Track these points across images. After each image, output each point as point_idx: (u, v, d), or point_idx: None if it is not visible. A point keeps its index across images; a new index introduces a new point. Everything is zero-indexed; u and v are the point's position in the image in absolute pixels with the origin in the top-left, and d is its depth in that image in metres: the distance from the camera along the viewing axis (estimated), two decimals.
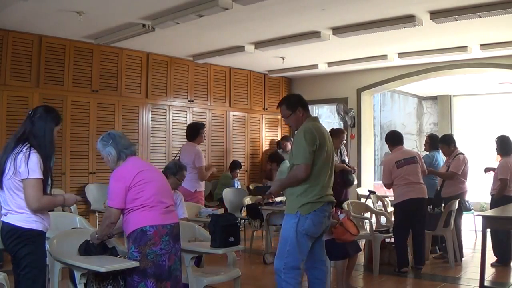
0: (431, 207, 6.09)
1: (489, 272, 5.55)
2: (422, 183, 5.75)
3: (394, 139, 5.96)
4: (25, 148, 2.96)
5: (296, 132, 3.79)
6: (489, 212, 5.53)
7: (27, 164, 2.91)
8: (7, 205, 2.97)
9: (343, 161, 6.55)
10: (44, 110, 3.13)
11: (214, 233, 3.75)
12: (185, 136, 8.44)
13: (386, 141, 6.12)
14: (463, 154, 6.34)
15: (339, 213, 4.85)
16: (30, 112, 3.11)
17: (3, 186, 2.96)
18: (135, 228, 3.21)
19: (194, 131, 6.65)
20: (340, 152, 6.54)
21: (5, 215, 2.98)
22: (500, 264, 5.94)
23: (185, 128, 8.36)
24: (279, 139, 10.45)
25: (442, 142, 6.54)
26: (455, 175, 6.18)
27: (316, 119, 3.84)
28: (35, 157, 2.95)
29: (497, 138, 6.27)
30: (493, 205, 6.01)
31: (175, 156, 7.26)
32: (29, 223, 2.96)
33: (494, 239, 6.02)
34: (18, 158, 2.93)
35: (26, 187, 2.92)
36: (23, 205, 2.95)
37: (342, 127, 10.20)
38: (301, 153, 3.52)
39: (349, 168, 6.70)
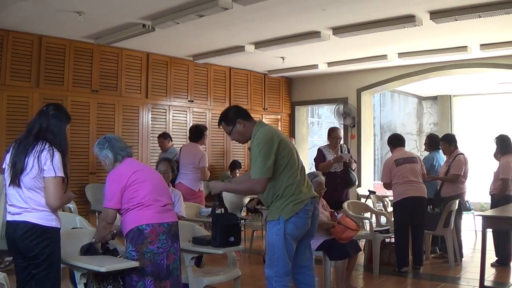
0: (431, 207, 6.10)
1: (489, 272, 5.55)
2: (421, 183, 5.77)
3: (395, 140, 6.07)
4: (47, 145, 2.91)
5: (251, 144, 3.54)
6: (489, 212, 5.54)
7: (52, 162, 2.87)
8: (24, 203, 2.88)
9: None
10: (56, 107, 3.09)
11: (215, 232, 3.75)
12: (185, 136, 8.49)
13: (388, 143, 6.17)
14: (463, 154, 6.34)
15: (335, 214, 4.85)
16: (44, 108, 3.05)
17: (20, 183, 2.87)
18: (131, 227, 3.24)
19: (199, 132, 6.74)
20: (341, 150, 6.52)
21: (20, 214, 2.88)
22: (499, 264, 5.95)
23: (185, 128, 8.42)
24: None
25: (444, 140, 6.54)
26: (459, 177, 6.18)
27: (263, 123, 3.63)
28: (58, 155, 2.91)
29: (496, 138, 6.28)
30: (494, 205, 6.02)
31: (174, 156, 7.26)
32: (50, 221, 2.92)
33: (496, 239, 6.02)
34: (42, 156, 2.87)
35: (50, 185, 2.87)
36: (43, 203, 2.89)
37: (341, 127, 10.21)
38: (259, 166, 3.35)
39: (343, 158, 6.34)
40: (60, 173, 2.90)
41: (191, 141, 6.88)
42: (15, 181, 2.88)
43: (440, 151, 6.74)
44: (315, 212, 3.57)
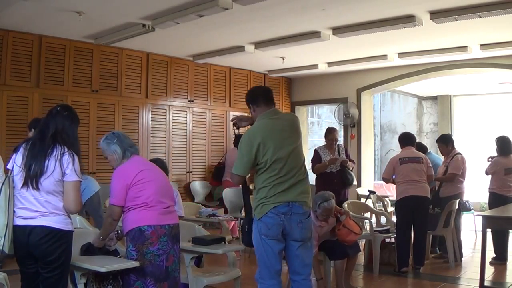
0: (431, 207, 6.10)
1: (489, 272, 5.55)
2: (424, 182, 5.74)
3: (404, 139, 6.09)
4: (66, 148, 2.87)
5: None
6: (489, 212, 5.54)
7: (74, 166, 2.85)
8: (41, 206, 2.80)
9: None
10: (67, 108, 3.04)
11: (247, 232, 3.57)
12: (185, 136, 8.70)
13: (398, 141, 6.20)
14: (460, 154, 6.36)
15: (339, 215, 4.85)
16: (58, 109, 2.99)
17: (39, 186, 2.79)
18: (133, 226, 3.22)
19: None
20: (339, 152, 6.51)
21: (36, 218, 2.79)
22: (496, 260, 5.99)
23: (185, 128, 8.74)
24: None
25: (440, 141, 6.55)
26: (456, 176, 6.19)
27: (267, 115, 3.45)
28: (77, 159, 2.88)
29: (497, 138, 6.31)
30: (491, 203, 6.18)
31: (221, 159, 8.80)
32: (66, 224, 2.87)
33: (495, 237, 6.06)
34: (64, 159, 2.83)
35: (71, 189, 2.84)
36: (60, 206, 2.85)
37: (341, 127, 10.21)
38: (237, 162, 3.39)
39: (338, 160, 6.28)
40: (80, 178, 2.88)
41: (234, 146, 7.98)
42: (32, 184, 2.79)
43: (429, 152, 6.77)
44: (296, 217, 3.31)
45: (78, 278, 3.08)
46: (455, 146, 6.47)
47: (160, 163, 4.85)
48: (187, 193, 8.70)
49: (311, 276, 3.49)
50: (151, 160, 4.95)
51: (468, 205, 7.17)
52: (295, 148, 3.43)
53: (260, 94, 3.56)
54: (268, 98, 3.52)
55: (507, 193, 6.11)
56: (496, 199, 6.04)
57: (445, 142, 6.44)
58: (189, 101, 8.89)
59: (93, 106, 7.60)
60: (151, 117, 8.36)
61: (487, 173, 6.32)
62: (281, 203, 3.30)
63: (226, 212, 7.68)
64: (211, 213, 5.80)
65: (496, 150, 6.29)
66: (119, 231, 3.43)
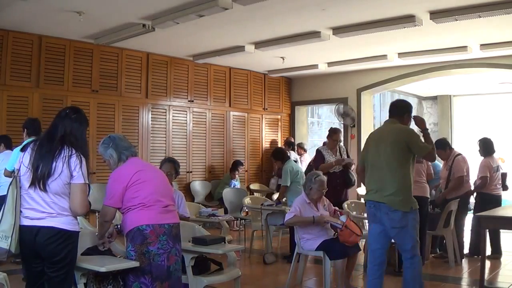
0: (431, 207, 6.10)
1: (489, 272, 5.55)
2: (424, 182, 5.76)
3: None
4: (74, 151, 2.88)
5: None
6: (489, 212, 5.54)
7: (81, 168, 2.87)
8: (49, 207, 2.80)
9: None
10: (77, 111, 3.05)
11: None
12: (185, 136, 8.65)
13: None
14: (461, 154, 6.36)
15: (339, 214, 4.85)
16: (67, 111, 2.99)
17: (46, 188, 2.79)
18: (132, 227, 3.22)
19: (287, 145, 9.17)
20: (340, 152, 6.52)
21: (43, 219, 2.79)
22: (491, 256, 6.09)
23: (185, 128, 8.69)
24: (279, 139, 10.48)
25: (437, 148, 6.50)
26: (463, 178, 6.19)
27: (386, 122, 4.29)
28: (85, 162, 2.90)
29: (479, 140, 6.39)
30: (478, 202, 6.34)
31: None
32: (73, 225, 2.89)
33: (492, 234, 6.12)
34: (72, 161, 2.84)
35: (79, 191, 2.86)
36: (67, 207, 2.86)
37: (342, 127, 10.21)
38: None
39: (345, 161, 6.42)
40: (87, 180, 2.90)
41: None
42: (39, 185, 2.79)
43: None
44: (380, 217, 4.02)
45: (78, 278, 3.07)
46: (453, 147, 6.49)
47: (174, 164, 4.83)
48: (187, 193, 8.69)
49: (411, 254, 4.24)
50: (163, 160, 4.96)
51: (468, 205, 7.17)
52: (384, 153, 4.02)
53: (390, 108, 4.31)
54: (390, 111, 4.28)
55: (492, 191, 6.22)
56: (485, 199, 6.12)
57: (443, 147, 6.40)
58: (189, 101, 8.89)
59: (93, 106, 7.60)
60: (151, 117, 8.36)
61: (482, 177, 6.27)
62: (368, 201, 4.12)
63: (226, 212, 7.68)
64: (211, 213, 5.80)
65: (479, 151, 6.35)
66: (118, 226, 3.44)
